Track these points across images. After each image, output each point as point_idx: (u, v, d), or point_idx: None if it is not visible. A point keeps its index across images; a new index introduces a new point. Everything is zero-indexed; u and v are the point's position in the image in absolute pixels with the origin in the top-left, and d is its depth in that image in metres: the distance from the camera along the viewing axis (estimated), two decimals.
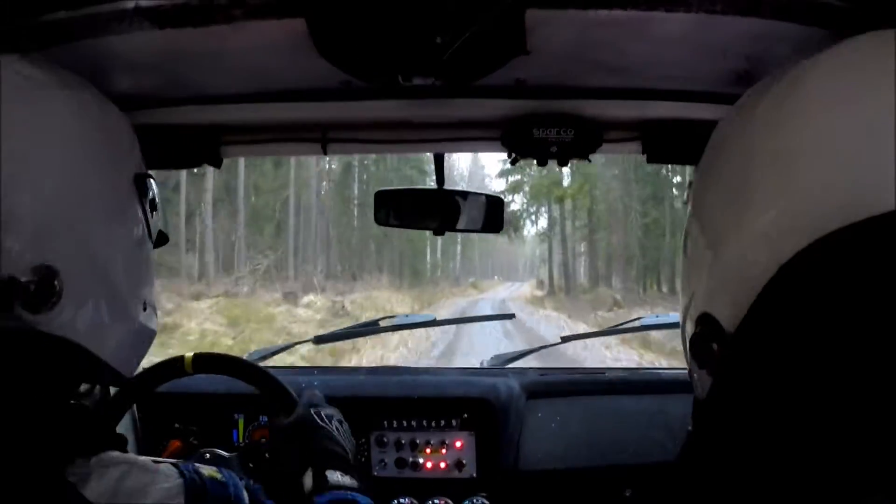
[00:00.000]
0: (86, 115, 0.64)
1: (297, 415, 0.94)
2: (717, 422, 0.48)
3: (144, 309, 0.69)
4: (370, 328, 1.80)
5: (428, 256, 37.33)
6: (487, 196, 1.27)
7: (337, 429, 0.93)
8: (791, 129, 0.45)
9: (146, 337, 0.71)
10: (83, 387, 1.02)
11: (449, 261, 42.25)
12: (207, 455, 1.02)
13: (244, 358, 1.03)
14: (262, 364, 1.40)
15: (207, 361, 1.03)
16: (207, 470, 0.67)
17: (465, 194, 1.27)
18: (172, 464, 0.65)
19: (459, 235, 17.80)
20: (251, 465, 1.07)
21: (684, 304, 0.57)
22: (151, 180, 0.71)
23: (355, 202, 30.35)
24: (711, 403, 0.49)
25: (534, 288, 35.48)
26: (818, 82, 0.46)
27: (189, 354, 1.03)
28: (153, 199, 0.71)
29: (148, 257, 0.71)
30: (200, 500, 0.63)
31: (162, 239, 0.78)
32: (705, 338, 0.48)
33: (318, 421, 0.92)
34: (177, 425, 1.16)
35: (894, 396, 0.36)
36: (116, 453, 0.62)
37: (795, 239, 0.41)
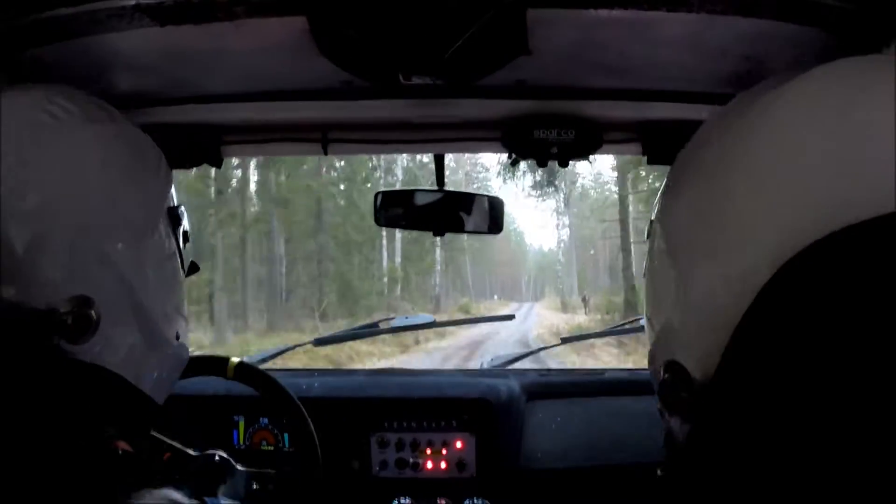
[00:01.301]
0: (121, 146, 0.65)
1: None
2: (697, 471, 0.45)
3: (178, 338, 0.69)
4: (370, 330, 1.80)
5: (384, 263, 20.79)
6: (488, 197, 1.27)
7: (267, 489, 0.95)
8: (758, 170, 0.43)
9: (178, 366, 0.72)
10: None
11: (424, 274, 25.11)
12: (217, 457, 1.02)
13: (276, 380, 1.04)
14: (262, 367, 1.40)
15: (249, 373, 1.04)
16: None
17: (465, 195, 1.27)
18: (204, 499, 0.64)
19: (439, 240, 15.97)
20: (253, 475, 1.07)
21: (652, 343, 0.55)
22: (182, 210, 0.72)
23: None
24: (690, 453, 0.46)
25: (557, 310, 27.01)
26: (787, 113, 0.44)
27: (234, 360, 1.04)
28: (186, 232, 0.72)
29: (181, 288, 0.71)
30: None
31: (193, 268, 0.77)
32: (674, 386, 0.47)
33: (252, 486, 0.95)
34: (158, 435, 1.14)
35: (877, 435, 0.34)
36: (163, 493, 0.61)
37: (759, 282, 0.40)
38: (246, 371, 1.03)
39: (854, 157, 0.40)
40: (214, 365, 1.04)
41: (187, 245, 0.72)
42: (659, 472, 0.58)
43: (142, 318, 0.62)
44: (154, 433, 0.99)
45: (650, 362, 0.55)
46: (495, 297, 46.35)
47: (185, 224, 0.72)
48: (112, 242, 0.59)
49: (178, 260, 0.70)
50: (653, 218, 0.55)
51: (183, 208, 0.72)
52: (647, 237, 0.56)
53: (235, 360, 1.04)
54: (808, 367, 0.36)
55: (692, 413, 0.46)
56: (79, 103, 0.63)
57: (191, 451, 1.01)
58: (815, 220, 0.39)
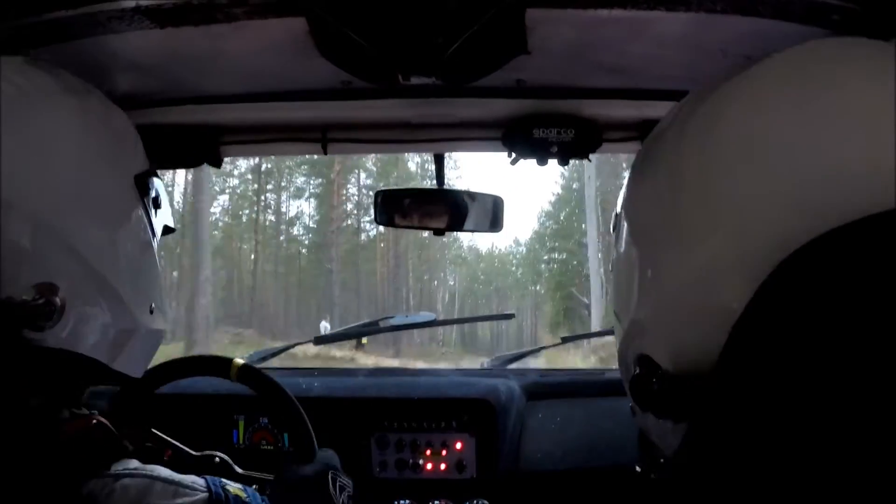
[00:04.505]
0: (89, 122, 0.63)
1: (314, 471, 0.93)
2: (697, 472, 0.44)
3: (151, 312, 0.68)
4: (370, 328, 1.80)
5: None
6: (488, 196, 1.27)
7: (343, 502, 0.92)
8: (722, 168, 0.44)
9: (154, 339, 0.70)
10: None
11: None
12: (217, 459, 1.01)
13: (279, 384, 1.04)
14: (261, 366, 1.40)
15: (252, 376, 1.03)
16: (234, 487, 0.67)
17: (465, 194, 1.27)
18: (201, 476, 0.64)
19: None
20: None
21: (620, 339, 0.54)
22: (153, 178, 0.70)
23: None
24: (689, 454, 0.46)
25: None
26: (736, 108, 0.45)
27: (238, 362, 1.03)
28: (156, 197, 0.70)
29: (152, 259, 0.70)
30: None
31: (166, 230, 0.77)
32: (646, 380, 0.47)
33: (330, 487, 0.91)
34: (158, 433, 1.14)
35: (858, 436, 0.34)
36: (136, 464, 0.60)
37: (737, 279, 0.40)
38: (249, 373, 1.03)
39: (802, 147, 0.40)
40: (217, 366, 1.04)
41: (159, 211, 0.70)
42: (638, 468, 0.57)
43: (111, 297, 0.60)
44: (154, 431, 0.99)
45: (620, 359, 0.55)
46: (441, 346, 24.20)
47: (157, 191, 0.70)
48: (77, 223, 0.57)
49: (149, 230, 0.68)
50: (617, 210, 0.54)
51: (155, 174, 0.69)
52: (613, 230, 0.55)
53: (239, 361, 1.03)
54: (810, 366, 0.36)
55: (674, 411, 0.45)
56: (47, 74, 0.60)
57: (191, 451, 1.01)
58: (773, 209, 0.39)
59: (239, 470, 1.02)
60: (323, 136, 1.10)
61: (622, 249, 0.52)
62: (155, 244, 0.71)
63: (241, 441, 1.31)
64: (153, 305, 0.68)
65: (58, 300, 0.54)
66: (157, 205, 0.70)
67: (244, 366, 1.03)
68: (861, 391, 0.34)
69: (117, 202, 0.63)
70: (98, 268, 0.59)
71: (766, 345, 0.38)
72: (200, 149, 1.11)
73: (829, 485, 0.34)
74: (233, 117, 1.06)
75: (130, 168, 0.66)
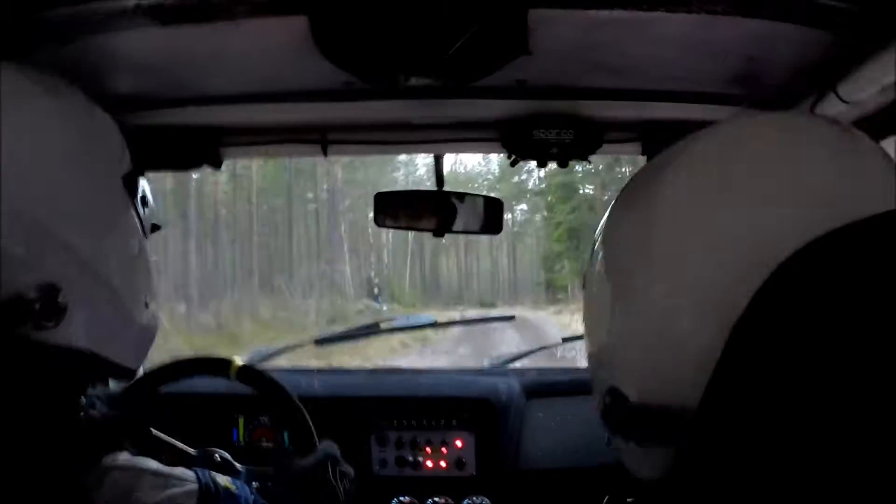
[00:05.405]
0: (73, 123, 0.63)
1: (315, 460, 0.93)
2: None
3: (147, 306, 0.69)
4: (370, 330, 1.81)
5: None
6: (486, 198, 1.28)
7: (345, 489, 0.93)
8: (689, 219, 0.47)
9: (150, 333, 0.72)
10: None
11: None
12: (217, 457, 1.02)
13: (279, 382, 1.04)
14: (262, 364, 1.40)
15: (252, 376, 1.04)
16: (223, 479, 0.67)
17: (464, 196, 1.27)
18: (191, 468, 0.65)
19: None
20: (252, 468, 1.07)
21: (592, 366, 0.57)
22: (140, 178, 0.71)
23: None
24: (677, 481, 0.46)
25: None
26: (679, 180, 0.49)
27: (238, 362, 1.03)
28: (144, 196, 0.72)
29: (144, 256, 0.71)
30: None
31: (154, 228, 0.78)
32: (615, 410, 0.50)
33: (330, 476, 0.91)
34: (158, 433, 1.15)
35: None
36: (126, 456, 0.61)
37: (704, 312, 0.42)
38: (249, 374, 1.03)
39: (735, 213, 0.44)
40: (217, 366, 1.04)
41: (146, 209, 0.72)
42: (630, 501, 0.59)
43: (108, 294, 0.62)
44: (153, 431, 0.99)
45: (593, 388, 0.57)
46: None
47: (145, 190, 0.72)
48: (72, 223, 0.58)
49: (140, 228, 0.70)
50: (596, 242, 0.57)
51: (141, 174, 0.72)
52: (590, 258, 0.58)
53: (239, 361, 1.03)
54: (797, 394, 0.36)
55: (645, 439, 0.48)
56: (27, 76, 0.60)
57: (190, 450, 1.01)
58: (727, 254, 0.43)
59: (239, 466, 1.03)
60: (323, 137, 1.10)
61: (595, 278, 0.55)
62: (146, 242, 0.72)
63: (240, 440, 1.31)
64: (147, 300, 0.70)
65: (60, 300, 0.55)
66: (144, 203, 0.72)
67: (243, 366, 1.03)
68: (857, 404, 0.34)
69: (109, 203, 0.65)
70: (96, 267, 0.60)
71: (751, 374, 0.39)
72: (200, 150, 1.11)
73: (830, 492, 0.34)
74: (233, 118, 1.06)
75: (117, 166, 0.68)
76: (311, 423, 1.01)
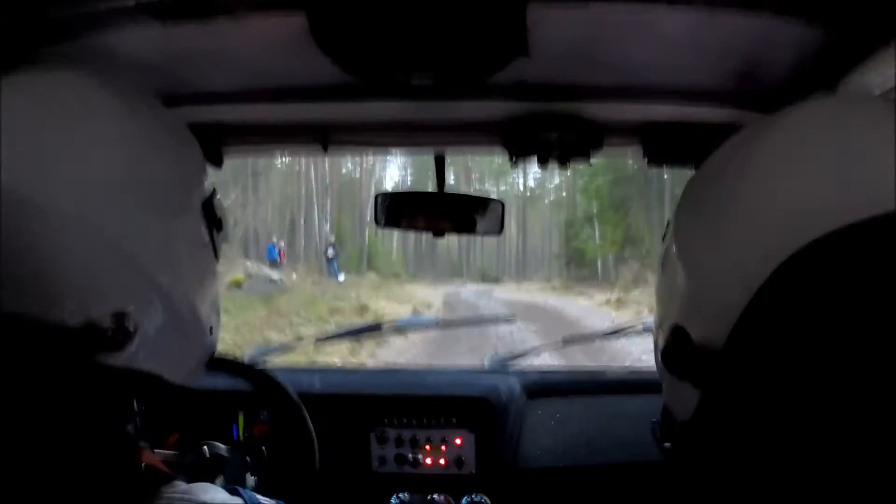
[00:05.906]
0: (167, 150, 0.61)
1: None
2: (707, 441, 0.48)
3: (211, 332, 0.68)
4: (372, 329, 1.81)
5: None
6: (487, 199, 1.28)
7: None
8: (757, 180, 0.49)
9: (208, 355, 0.70)
10: None
11: None
12: (206, 448, 1.02)
13: (251, 366, 1.05)
14: (263, 364, 1.41)
15: (223, 364, 1.06)
16: (268, 503, 0.66)
17: (464, 198, 1.27)
18: (233, 490, 0.63)
19: None
20: (249, 459, 1.09)
21: (658, 316, 0.59)
22: (217, 200, 0.68)
23: None
24: (699, 425, 0.50)
25: None
26: (775, 142, 0.51)
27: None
28: (220, 220, 0.67)
29: (214, 281, 0.68)
30: None
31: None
32: (676, 349, 0.51)
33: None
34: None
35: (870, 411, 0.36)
36: (184, 486, 0.58)
37: (762, 266, 0.44)
38: (220, 363, 1.04)
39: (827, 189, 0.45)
40: None
41: (220, 234, 0.68)
42: (667, 444, 0.63)
43: (177, 320, 0.60)
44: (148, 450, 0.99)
45: (655, 335, 0.60)
46: None
47: (221, 214, 0.68)
48: (155, 254, 0.56)
49: (213, 252, 0.67)
50: (670, 227, 0.59)
51: (217, 196, 0.67)
52: (664, 239, 0.60)
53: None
54: (817, 340, 0.39)
55: (696, 377, 0.50)
56: (110, 88, 0.57)
57: (221, 445, 1.03)
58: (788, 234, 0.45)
59: (227, 454, 1.04)
60: (323, 137, 1.11)
61: (671, 254, 0.58)
62: (215, 267, 0.69)
63: (241, 435, 1.31)
64: (212, 327, 0.68)
65: (131, 326, 0.53)
66: (220, 227, 0.67)
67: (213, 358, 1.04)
68: (866, 371, 0.37)
69: (188, 230, 0.62)
70: (167, 293, 0.58)
71: (776, 322, 0.42)
72: (201, 149, 1.11)
73: (830, 460, 0.37)
74: (233, 117, 1.06)
75: (200, 194, 0.64)
76: (297, 399, 1.03)
